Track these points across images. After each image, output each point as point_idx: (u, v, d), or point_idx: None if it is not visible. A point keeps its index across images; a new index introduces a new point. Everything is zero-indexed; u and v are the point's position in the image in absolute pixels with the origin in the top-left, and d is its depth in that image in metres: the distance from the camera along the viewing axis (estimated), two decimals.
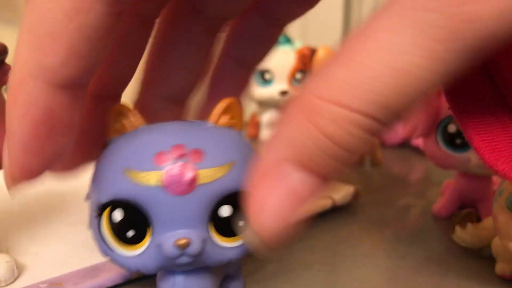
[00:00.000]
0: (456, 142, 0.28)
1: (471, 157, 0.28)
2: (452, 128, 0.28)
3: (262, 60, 0.24)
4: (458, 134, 0.28)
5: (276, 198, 0.14)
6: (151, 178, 0.17)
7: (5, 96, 0.22)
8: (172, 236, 0.17)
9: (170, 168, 0.17)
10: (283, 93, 0.45)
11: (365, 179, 0.38)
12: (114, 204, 0.18)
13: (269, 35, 0.24)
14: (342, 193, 0.31)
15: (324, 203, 0.30)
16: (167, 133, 0.18)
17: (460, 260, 0.25)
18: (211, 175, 0.17)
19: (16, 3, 1.33)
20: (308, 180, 0.14)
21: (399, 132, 0.42)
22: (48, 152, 0.16)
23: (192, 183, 0.17)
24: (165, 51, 0.22)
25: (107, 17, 0.15)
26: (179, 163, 0.17)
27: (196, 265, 0.18)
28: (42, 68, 0.15)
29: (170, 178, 0.17)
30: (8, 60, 0.21)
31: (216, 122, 0.19)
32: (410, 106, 0.13)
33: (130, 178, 0.17)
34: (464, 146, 0.28)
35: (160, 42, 0.22)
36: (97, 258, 0.24)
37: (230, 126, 0.19)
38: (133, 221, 0.18)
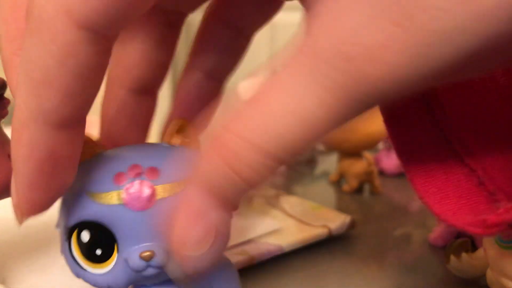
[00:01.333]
0: None
1: None
2: None
3: (231, 71, 0.24)
4: None
5: (197, 234, 0.16)
6: (112, 197, 0.18)
7: (4, 129, 0.22)
8: (137, 249, 0.18)
9: (129, 186, 0.18)
10: None
11: (363, 207, 0.38)
12: (80, 226, 0.19)
13: (236, 46, 0.24)
14: (338, 222, 0.31)
15: (320, 232, 0.30)
16: (124, 156, 0.19)
17: None
18: (168, 190, 0.18)
19: None
20: (224, 216, 0.16)
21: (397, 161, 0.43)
22: (53, 186, 0.17)
23: (151, 198, 0.18)
24: (127, 43, 0.23)
25: (96, 55, 0.15)
26: (137, 181, 0.18)
27: (164, 277, 0.19)
28: (41, 111, 0.15)
29: (129, 195, 0.18)
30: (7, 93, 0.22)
31: (169, 142, 0.20)
32: (309, 146, 0.15)
33: (93, 199, 0.18)
34: None
35: (125, 35, 0.23)
36: None
37: (185, 146, 0.20)
38: (100, 240, 0.19)
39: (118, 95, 0.23)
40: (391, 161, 0.46)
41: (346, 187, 0.42)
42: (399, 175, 0.47)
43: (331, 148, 0.43)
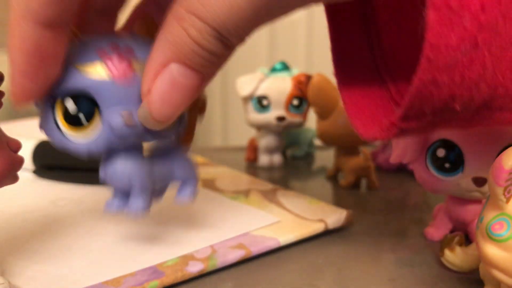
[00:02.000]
0: (445, 166, 0.29)
1: (460, 181, 0.28)
2: (441, 152, 0.29)
3: (122, 7, 0.27)
4: (447, 158, 0.28)
5: (163, 87, 0.20)
6: (96, 67, 0.21)
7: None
8: (117, 109, 0.22)
9: (110, 57, 0.22)
10: (280, 119, 0.46)
11: (360, 202, 0.39)
12: (65, 95, 0.22)
13: None
14: (334, 216, 0.32)
15: (316, 227, 0.31)
16: (103, 38, 0.22)
17: (450, 283, 0.26)
18: (141, 64, 0.22)
19: None
20: (186, 73, 0.20)
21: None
22: (40, 77, 0.21)
23: (128, 68, 0.22)
24: None
25: None
26: (116, 53, 0.22)
27: (137, 139, 0.23)
28: (29, 10, 0.19)
29: (111, 65, 0.21)
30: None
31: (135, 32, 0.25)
32: (244, 32, 0.19)
33: (79, 71, 0.21)
34: (453, 170, 0.28)
35: None
36: (92, 281, 0.24)
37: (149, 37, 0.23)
38: (83, 107, 0.22)
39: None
40: (387, 156, 0.46)
41: (343, 182, 0.42)
42: (395, 170, 0.47)
43: (328, 143, 0.43)
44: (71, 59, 0.21)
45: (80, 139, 0.22)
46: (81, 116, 0.22)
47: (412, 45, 0.20)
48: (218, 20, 0.19)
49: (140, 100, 0.21)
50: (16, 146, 0.23)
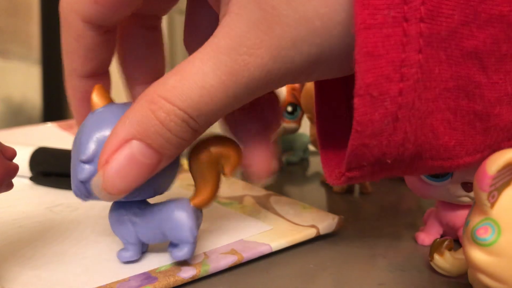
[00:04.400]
0: None
1: (449, 186, 0.29)
2: None
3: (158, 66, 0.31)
4: None
5: (120, 161, 0.21)
6: None
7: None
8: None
9: None
10: None
11: (353, 207, 0.39)
12: None
13: (151, 39, 0.30)
14: (326, 222, 0.32)
15: (308, 232, 0.31)
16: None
17: (439, 287, 0.26)
18: None
19: (31, 40, 1.37)
20: (146, 152, 0.21)
21: None
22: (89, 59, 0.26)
23: None
24: (123, 48, 0.29)
25: (99, 37, 0.25)
26: None
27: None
28: (72, 69, 0.26)
29: None
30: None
31: None
32: (213, 115, 0.21)
33: None
34: (443, 175, 0.29)
35: (119, 41, 0.29)
36: (86, 286, 0.25)
37: None
38: None
39: None
40: None
41: (336, 187, 0.43)
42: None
43: None
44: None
45: None
46: None
47: None
48: (188, 103, 0.20)
49: None
50: (11, 154, 0.23)
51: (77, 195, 0.25)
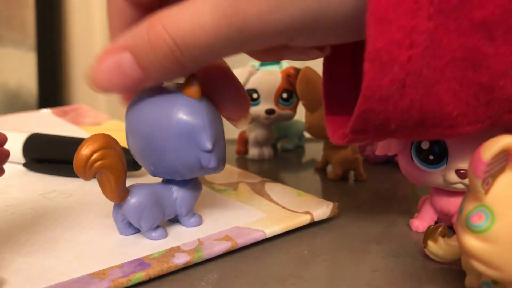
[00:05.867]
0: (430, 158, 0.29)
1: (444, 173, 0.29)
2: (425, 144, 0.29)
3: None
4: (431, 150, 0.29)
5: (107, 63, 0.23)
6: None
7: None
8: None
9: None
10: (269, 112, 0.46)
11: (348, 195, 0.39)
12: None
13: None
14: (321, 209, 0.32)
15: (303, 219, 0.31)
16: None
17: (432, 274, 0.26)
18: None
19: (26, 26, 1.36)
20: (133, 65, 0.23)
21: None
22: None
23: None
24: None
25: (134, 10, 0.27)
26: None
27: None
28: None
29: None
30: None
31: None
32: (201, 54, 0.22)
33: None
34: (437, 162, 0.29)
35: None
36: (79, 273, 0.24)
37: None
38: None
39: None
40: (375, 149, 0.46)
41: (331, 174, 0.43)
42: (383, 163, 0.47)
43: (317, 136, 0.43)
44: None
45: None
46: None
47: None
48: (179, 33, 0.22)
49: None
50: (1, 139, 0.23)
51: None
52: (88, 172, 0.25)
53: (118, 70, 0.23)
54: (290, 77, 0.46)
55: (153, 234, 0.28)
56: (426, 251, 0.27)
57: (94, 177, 0.26)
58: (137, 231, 0.29)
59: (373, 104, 0.21)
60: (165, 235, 0.29)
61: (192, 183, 0.29)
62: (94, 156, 0.25)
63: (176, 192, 0.29)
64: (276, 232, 0.30)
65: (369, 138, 0.24)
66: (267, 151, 0.50)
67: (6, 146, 0.24)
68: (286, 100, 0.47)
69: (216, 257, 0.27)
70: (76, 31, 1.44)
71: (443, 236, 0.27)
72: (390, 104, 0.21)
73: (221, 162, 0.28)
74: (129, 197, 0.27)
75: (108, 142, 0.26)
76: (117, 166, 0.26)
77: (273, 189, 0.36)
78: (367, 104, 0.21)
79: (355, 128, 0.23)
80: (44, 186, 0.37)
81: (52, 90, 1.41)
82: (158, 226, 0.29)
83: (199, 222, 0.30)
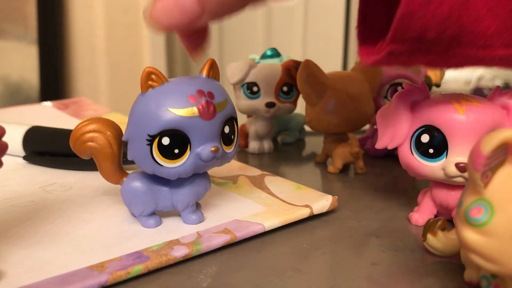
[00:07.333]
0: (429, 151, 0.29)
1: (444, 166, 0.28)
2: (425, 138, 0.29)
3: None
4: (431, 144, 0.29)
5: (169, 1, 0.24)
6: (189, 111, 0.26)
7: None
8: (208, 145, 0.27)
9: (200, 103, 0.27)
10: (270, 105, 0.46)
11: (348, 188, 0.39)
12: (162, 133, 0.26)
13: None
14: (320, 202, 0.32)
15: (302, 212, 0.31)
16: (189, 83, 0.27)
17: (431, 267, 0.26)
18: (221, 106, 0.28)
19: (28, 20, 1.36)
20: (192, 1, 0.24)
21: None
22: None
23: (214, 111, 0.27)
24: None
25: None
26: (204, 100, 0.27)
27: (212, 166, 0.29)
28: None
29: (201, 110, 0.27)
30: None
31: (208, 75, 0.29)
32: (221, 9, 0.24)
33: (174, 113, 0.26)
34: (437, 155, 0.29)
35: None
36: (77, 266, 0.24)
37: (215, 78, 0.29)
38: (177, 143, 0.27)
39: None
40: (375, 142, 0.46)
41: (331, 168, 0.43)
42: (383, 156, 0.47)
43: (317, 129, 0.43)
44: (166, 102, 0.26)
45: (173, 166, 0.27)
46: (176, 151, 0.27)
47: None
48: None
49: (218, 135, 0.28)
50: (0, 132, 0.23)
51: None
52: (77, 150, 0.28)
53: (177, 6, 0.24)
54: (291, 70, 0.46)
55: (146, 220, 0.29)
56: (425, 245, 0.27)
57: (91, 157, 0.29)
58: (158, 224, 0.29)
59: (415, 6, 0.22)
60: (157, 224, 0.29)
61: (190, 180, 0.29)
62: (84, 137, 0.28)
63: (173, 187, 0.29)
64: (276, 225, 0.30)
65: (404, 53, 0.25)
66: (267, 145, 0.50)
67: (5, 139, 0.24)
68: (287, 93, 0.46)
69: (215, 250, 0.27)
70: (77, 25, 1.44)
71: (443, 229, 0.27)
72: (430, 9, 0.23)
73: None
74: (124, 179, 0.29)
75: (99, 127, 0.28)
76: (104, 150, 0.28)
77: (273, 182, 0.36)
78: (408, 6, 0.22)
79: (395, 36, 0.24)
80: (44, 179, 0.37)
81: (53, 83, 1.41)
82: (154, 215, 0.29)
83: (198, 221, 0.30)
